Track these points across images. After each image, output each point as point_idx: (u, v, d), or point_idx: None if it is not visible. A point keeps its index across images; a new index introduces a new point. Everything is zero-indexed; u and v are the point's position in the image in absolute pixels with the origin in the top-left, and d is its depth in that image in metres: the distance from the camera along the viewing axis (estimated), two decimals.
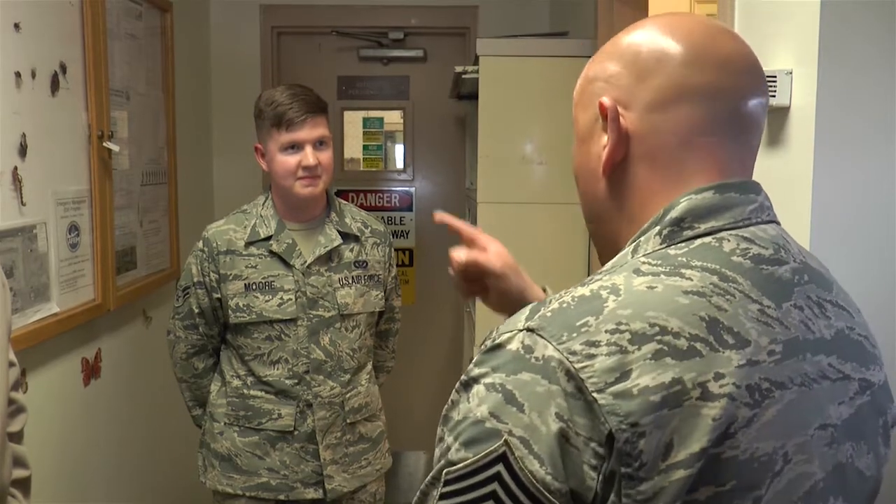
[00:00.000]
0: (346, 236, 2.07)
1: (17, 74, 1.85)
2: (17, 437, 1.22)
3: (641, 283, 0.71)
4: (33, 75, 1.92)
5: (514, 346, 0.70)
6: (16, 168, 1.84)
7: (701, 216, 0.76)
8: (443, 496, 0.69)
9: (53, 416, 2.08)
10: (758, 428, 0.67)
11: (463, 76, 2.72)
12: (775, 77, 1.28)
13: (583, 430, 0.65)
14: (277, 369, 2.01)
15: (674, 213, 0.77)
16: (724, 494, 0.66)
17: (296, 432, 2.02)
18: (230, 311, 2.01)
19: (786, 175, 1.31)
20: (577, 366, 0.66)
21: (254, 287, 1.99)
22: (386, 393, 2.33)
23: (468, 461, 0.68)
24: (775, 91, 1.28)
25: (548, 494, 0.65)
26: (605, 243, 0.88)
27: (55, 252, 2.03)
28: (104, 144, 2.27)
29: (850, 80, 1.21)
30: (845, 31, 1.20)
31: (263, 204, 2.06)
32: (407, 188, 3.86)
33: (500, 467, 0.66)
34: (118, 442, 2.50)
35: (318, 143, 2.00)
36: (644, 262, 0.74)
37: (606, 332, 0.67)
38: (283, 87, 2.03)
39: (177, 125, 2.96)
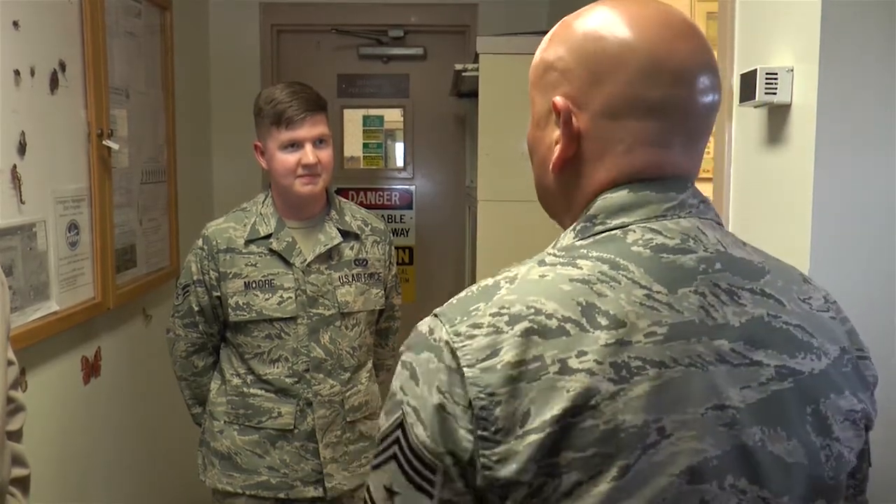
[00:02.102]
0: (346, 234, 2.07)
1: (16, 72, 1.85)
2: (16, 435, 1.22)
3: (536, 273, 0.78)
4: (32, 73, 1.92)
5: (424, 328, 0.80)
6: (15, 166, 1.84)
7: (612, 213, 0.81)
8: (375, 455, 0.81)
9: (53, 414, 2.08)
10: (624, 401, 0.72)
11: (463, 74, 2.72)
12: (776, 74, 1.28)
13: (460, 400, 0.74)
14: (277, 367, 2.01)
15: (588, 210, 0.83)
16: (586, 460, 0.71)
17: (296, 431, 2.02)
18: (230, 310, 2.00)
19: (787, 172, 1.31)
20: (458, 345, 0.75)
21: (253, 285, 1.99)
22: (386, 391, 2.32)
23: (384, 427, 0.80)
24: (776, 88, 1.28)
25: (428, 454, 0.75)
26: (561, 224, 0.92)
27: (54, 250, 2.03)
28: (103, 143, 2.26)
29: (852, 77, 1.21)
30: (846, 28, 1.20)
31: (263, 202, 2.06)
32: (407, 186, 3.86)
33: (399, 432, 0.77)
34: (118, 440, 2.50)
35: (318, 142, 1.99)
36: (550, 254, 0.81)
37: (490, 315, 0.75)
38: (283, 85, 2.03)
39: (176, 123, 2.95)
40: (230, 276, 2.00)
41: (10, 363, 1.18)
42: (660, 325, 0.75)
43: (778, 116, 1.33)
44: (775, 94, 1.28)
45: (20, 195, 1.86)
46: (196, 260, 2.05)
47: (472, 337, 0.75)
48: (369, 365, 2.16)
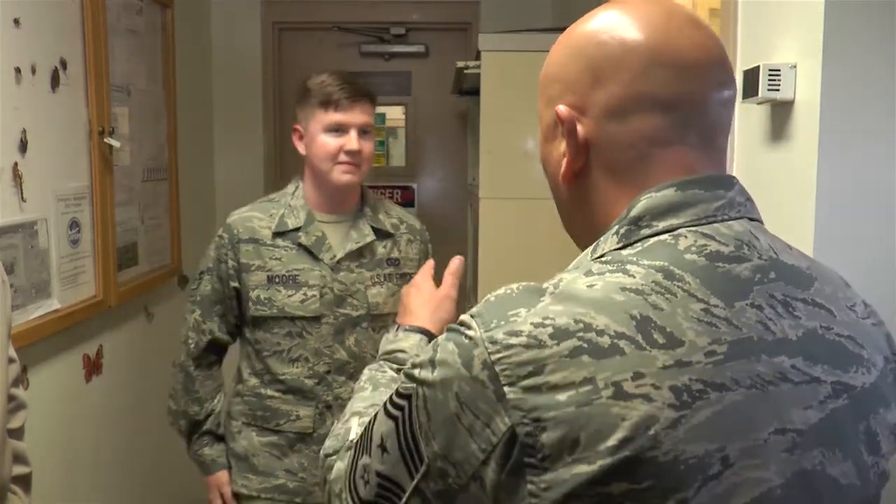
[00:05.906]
0: (379, 232, 1.99)
1: (17, 70, 1.85)
2: (17, 433, 1.22)
3: (584, 283, 0.71)
4: (33, 71, 1.92)
5: (461, 321, 0.74)
6: (16, 164, 1.84)
7: (659, 214, 0.75)
8: (392, 396, 0.78)
9: (55, 412, 2.08)
10: (686, 430, 0.65)
11: (465, 71, 2.71)
12: (779, 71, 1.28)
13: (482, 416, 0.68)
14: (297, 367, 1.93)
15: (633, 212, 0.76)
16: (641, 492, 0.65)
17: (315, 434, 1.94)
18: (250, 303, 1.92)
19: (790, 169, 1.31)
20: (494, 357, 0.68)
21: (277, 280, 1.91)
22: None
23: (405, 381, 0.76)
24: (779, 85, 1.28)
25: (424, 446, 0.72)
26: (579, 243, 0.87)
27: (56, 248, 2.03)
28: (105, 140, 2.26)
29: (855, 73, 1.20)
30: (849, 24, 1.20)
31: (293, 194, 1.97)
32: (409, 184, 3.85)
33: (406, 402, 0.75)
34: (120, 438, 2.50)
35: (363, 132, 1.92)
36: (595, 263, 0.74)
37: (531, 324, 0.68)
38: (332, 71, 1.96)
39: (178, 121, 2.95)
40: (253, 268, 1.92)
41: (11, 361, 1.18)
42: (719, 343, 0.69)
43: (781, 113, 1.33)
44: (778, 90, 1.28)
45: (21, 193, 1.86)
46: (214, 248, 1.97)
47: (509, 347, 0.67)
48: None
